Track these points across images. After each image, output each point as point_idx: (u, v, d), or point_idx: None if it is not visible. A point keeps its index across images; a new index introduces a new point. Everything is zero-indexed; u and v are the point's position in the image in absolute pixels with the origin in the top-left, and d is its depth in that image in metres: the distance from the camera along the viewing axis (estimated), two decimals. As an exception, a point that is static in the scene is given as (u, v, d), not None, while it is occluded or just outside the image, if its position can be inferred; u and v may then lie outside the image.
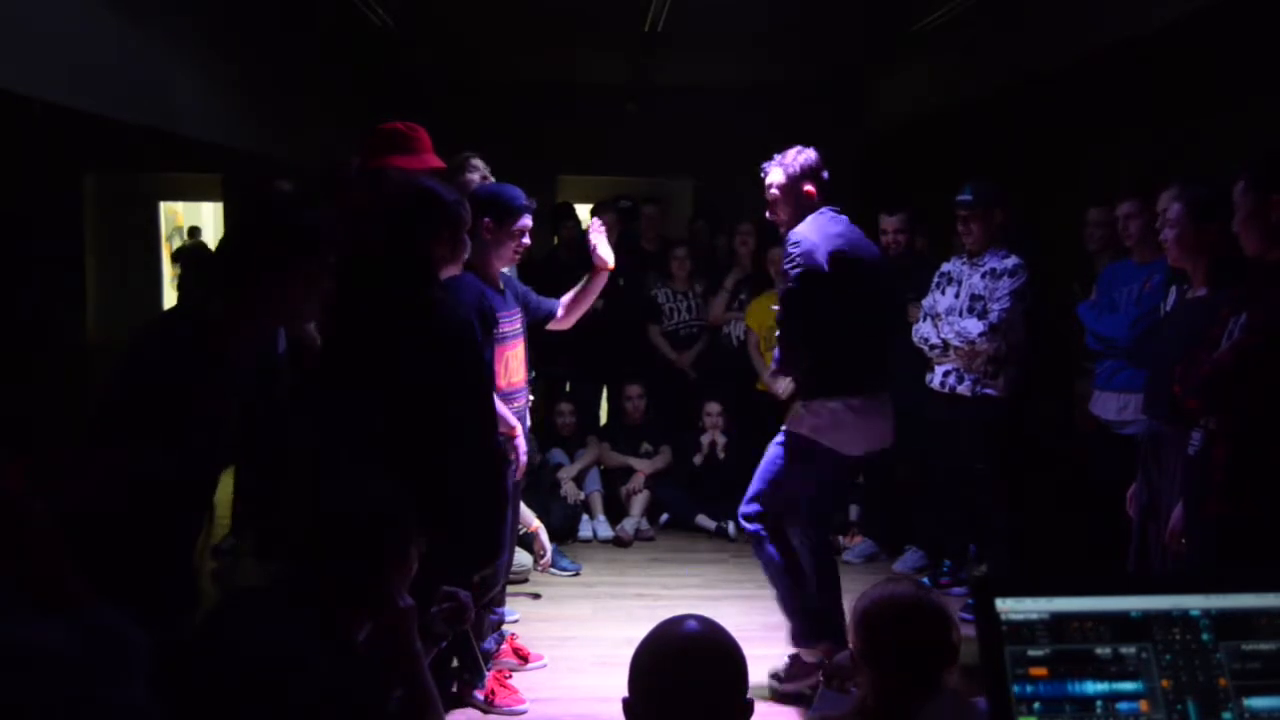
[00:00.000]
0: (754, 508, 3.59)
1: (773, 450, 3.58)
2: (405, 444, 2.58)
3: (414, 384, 2.62)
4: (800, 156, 3.50)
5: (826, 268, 3.32)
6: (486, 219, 3.36)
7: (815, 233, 3.39)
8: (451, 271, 2.98)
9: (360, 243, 2.72)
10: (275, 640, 1.76)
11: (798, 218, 3.46)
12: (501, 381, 3.40)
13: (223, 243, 2.21)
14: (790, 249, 3.38)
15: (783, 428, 3.57)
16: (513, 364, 3.46)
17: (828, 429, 3.41)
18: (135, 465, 1.95)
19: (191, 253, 9.42)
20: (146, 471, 1.95)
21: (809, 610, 3.54)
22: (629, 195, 6.79)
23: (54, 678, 1.23)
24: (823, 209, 3.48)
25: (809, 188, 3.48)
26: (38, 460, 1.54)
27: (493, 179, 3.94)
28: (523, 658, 3.79)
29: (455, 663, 3.40)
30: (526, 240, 3.48)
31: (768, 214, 3.61)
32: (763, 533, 3.56)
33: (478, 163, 3.97)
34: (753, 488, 3.62)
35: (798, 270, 3.34)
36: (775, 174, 3.51)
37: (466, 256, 3.02)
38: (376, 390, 2.64)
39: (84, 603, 1.33)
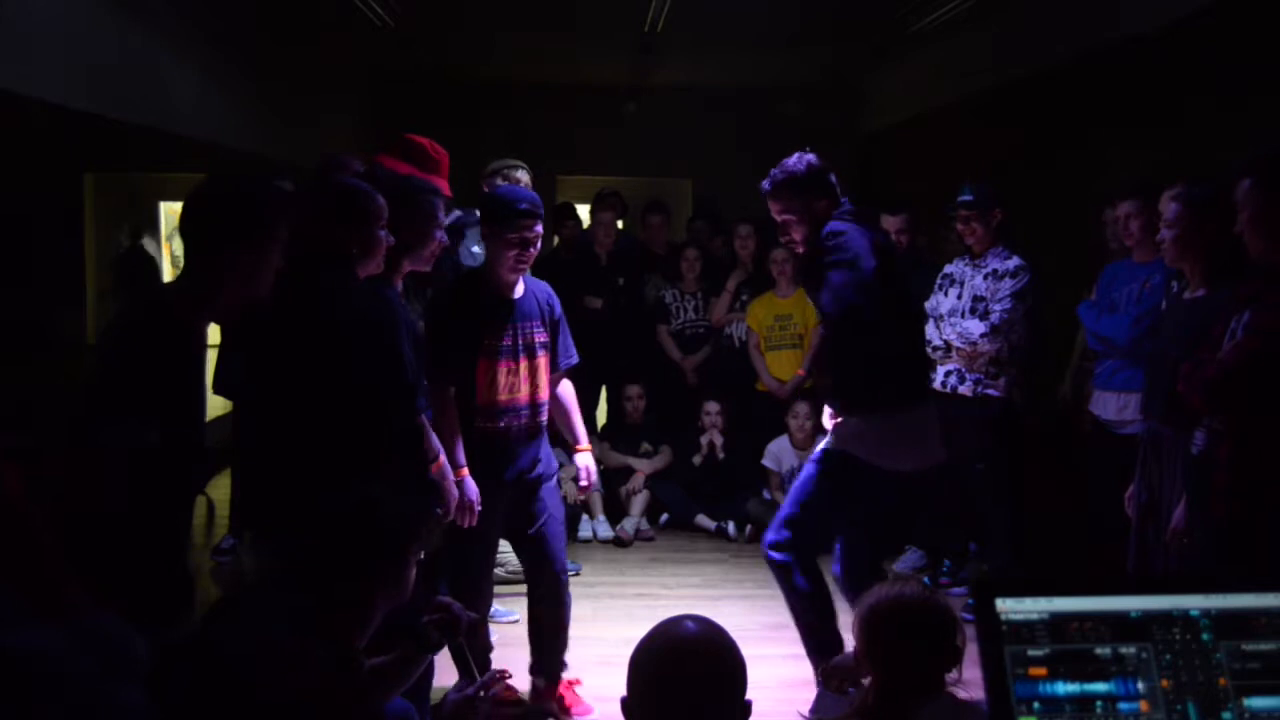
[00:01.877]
0: (784, 534, 3.22)
1: (807, 470, 3.28)
2: (308, 435, 2.55)
3: (318, 376, 2.57)
4: (799, 164, 3.16)
5: (872, 267, 2.99)
6: (485, 226, 3.24)
7: (854, 231, 3.06)
8: (370, 267, 2.75)
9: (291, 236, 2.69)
10: (273, 644, 1.75)
11: (818, 235, 3.12)
12: (481, 397, 3.19)
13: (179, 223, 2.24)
14: (829, 243, 3.03)
15: (820, 448, 3.27)
16: (504, 379, 3.21)
17: (876, 444, 3.14)
18: (123, 439, 1.96)
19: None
20: (132, 448, 1.96)
21: (833, 647, 3.19)
22: (615, 190, 6.80)
23: (53, 684, 1.23)
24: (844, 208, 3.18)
25: (822, 202, 3.15)
26: (37, 461, 1.54)
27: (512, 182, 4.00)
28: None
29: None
30: (533, 250, 3.20)
31: (781, 238, 3.32)
32: (791, 561, 3.20)
33: (517, 174, 4.11)
34: (782, 512, 3.28)
35: (845, 268, 2.98)
36: (777, 194, 3.18)
37: (380, 252, 2.77)
38: (286, 383, 2.61)
39: (83, 608, 1.33)
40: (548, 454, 3.40)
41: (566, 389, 3.51)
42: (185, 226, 2.18)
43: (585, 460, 3.53)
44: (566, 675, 3.48)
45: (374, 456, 2.58)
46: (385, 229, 2.74)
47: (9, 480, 1.32)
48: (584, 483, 3.53)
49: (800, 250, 3.28)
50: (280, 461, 2.61)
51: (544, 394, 3.33)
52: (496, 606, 3.69)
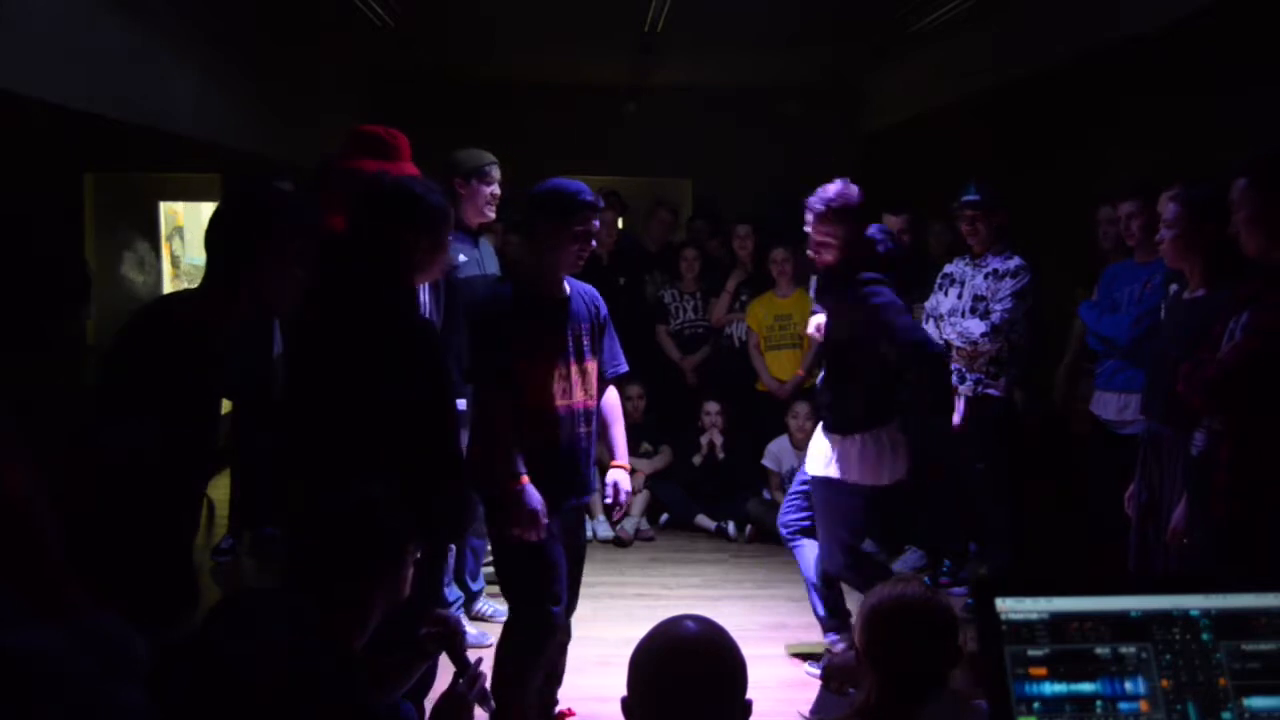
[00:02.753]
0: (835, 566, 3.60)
1: (796, 493, 3.73)
2: (362, 445, 2.54)
3: (368, 388, 2.56)
4: (853, 193, 3.39)
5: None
6: (543, 220, 2.97)
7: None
8: (432, 271, 2.78)
9: (328, 239, 2.61)
10: (273, 644, 1.75)
11: (844, 262, 3.40)
12: (534, 401, 2.95)
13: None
14: (869, 292, 3.35)
15: (801, 478, 3.68)
16: (559, 384, 2.99)
17: (858, 463, 3.47)
18: (124, 441, 1.96)
19: None
20: (135, 450, 1.96)
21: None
22: (614, 189, 6.79)
23: (53, 684, 1.23)
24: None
25: (859, 231, 3.42)
26: (39, 462, 1.54)
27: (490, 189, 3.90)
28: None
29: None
30: (594, 244, 3.04)
31: (809, 251, 3.48)
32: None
33: (495, 171, 3.87)
34: (823, 550, 3.62)
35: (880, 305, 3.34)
36: (827, 217, 3.38)
37: (443, 258, 2.80)
38: (334, 391, 2.60)
39: (83, 608, 1.33)
40: (593, 476, 3.18)
41: (612, 398, 3.26)
42: (206, 234, 2.21)
43: (617, 476, 3.21)
44: (558, 708, 3.33)
45: (400, 466, 2.56)
46: (449, 234, 2.75)
47: (11, 480, 1.32)
48: (609, 499, 3.21)
49: (824, 264, 3.47)
50: (308, 464, 2.60)
51: (595, 401, 3.12)
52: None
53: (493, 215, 3.95)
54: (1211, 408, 2.62)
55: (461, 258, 3.78)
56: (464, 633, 2.28)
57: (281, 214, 2.21)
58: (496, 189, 3.85)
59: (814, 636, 3.95)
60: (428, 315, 3.60)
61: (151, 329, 2.11)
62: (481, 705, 2.12)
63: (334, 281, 2.48)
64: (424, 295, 3.58)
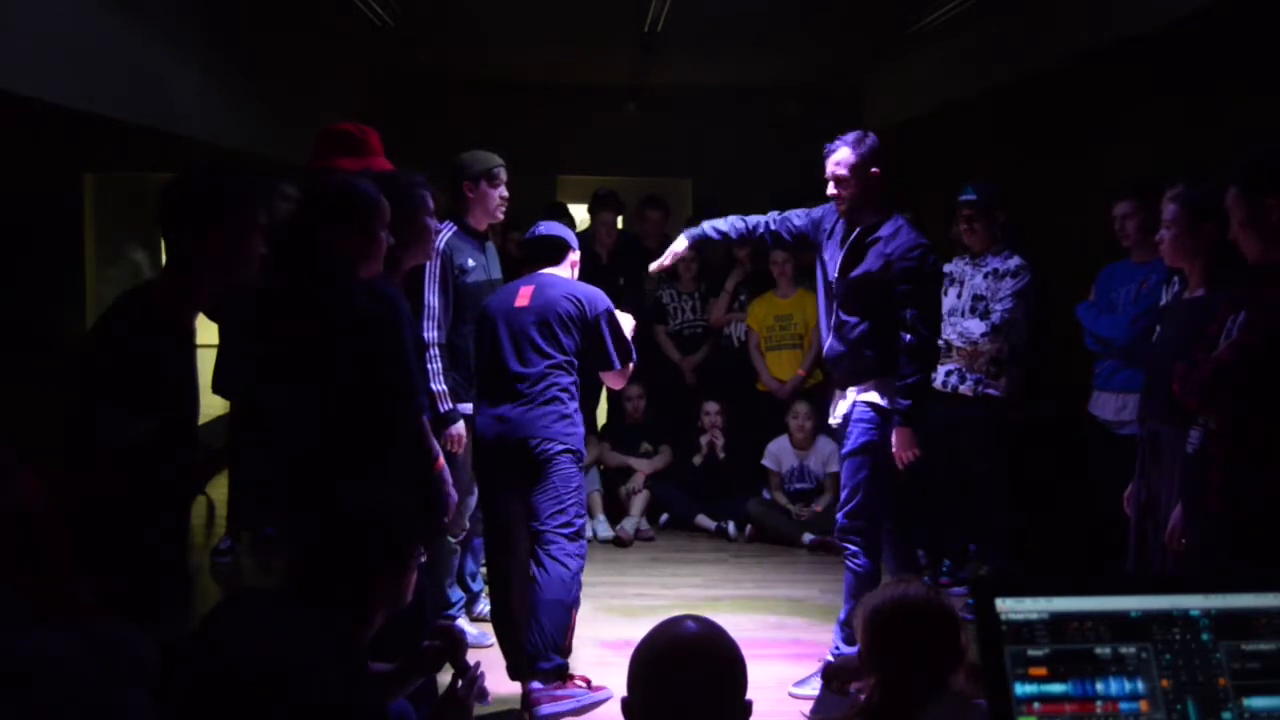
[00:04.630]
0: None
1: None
2: (322, 433, 2.55)
3: (326, 377, 2.57)
4: (868, 139, 3.46)
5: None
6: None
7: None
8: (370, 268, 2.75)
9: (290, 238, 2.65)
10: (274, 645, 1.75)
11: (862, 200, 3.44)
12: None
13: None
14: (913, 250, 3.41)
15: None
16: None
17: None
18: (113, 437, 1.96)
19: None
20: (123, 445, 1.96)
21: None
22: (611, 190, 6.79)
23: (55, 686, 1.23)
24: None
25: (875, 169, 3.44)
26: (45, 465, 1.54)
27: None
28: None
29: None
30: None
31: (830, 189, 3.50)
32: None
33: (503, 174, 3.88)
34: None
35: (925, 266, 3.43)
36: (843, 152, 3.44)
37: (381, 253, 2.79)
38: (294, 385, 2.60)
39: (90, 612, 1.33)
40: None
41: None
42: (161, 220, 2.17)
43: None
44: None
45: (376, 458, 2.57)
46: (387, 230, 2.74)
47: (26, 486, 1.32)
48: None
49: (841, 199, 3.47)
50: (283, 463, 2.60)
51: None
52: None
53: (502, 217, 3.95)
54: (1207, 408, 2.62)
55: (470, 262, 3.78)
56: (466, 643, 2.28)
57: (229, 186, 2.18)
58: (505, 191, 3.85)
59: (813, 636, 3.96)
60: (436, 319, 3.60)
61: (114, 322, 2.10)
62: (479, 701, 2.13)
63: (285, 281, 2.46)
64: (434, 299, 3.59)
